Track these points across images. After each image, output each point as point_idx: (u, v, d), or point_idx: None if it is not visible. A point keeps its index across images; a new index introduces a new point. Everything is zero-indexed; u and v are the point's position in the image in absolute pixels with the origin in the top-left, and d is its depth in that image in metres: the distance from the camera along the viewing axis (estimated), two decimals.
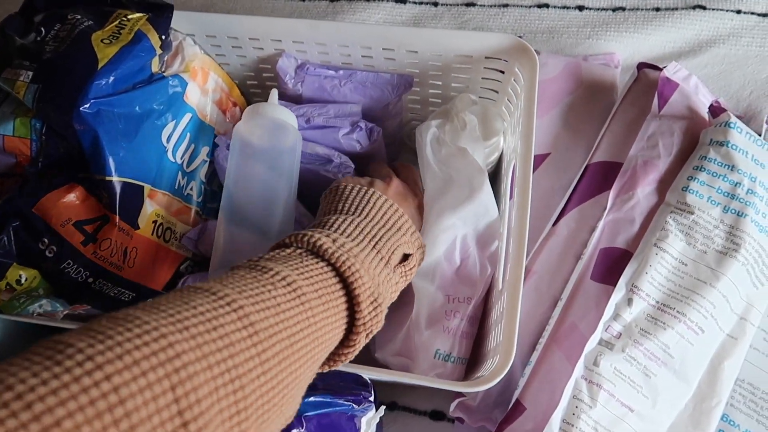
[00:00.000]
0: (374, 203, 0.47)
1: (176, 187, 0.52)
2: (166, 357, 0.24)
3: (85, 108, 0.43)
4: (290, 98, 0.60)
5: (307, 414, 0.42)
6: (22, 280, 0.42)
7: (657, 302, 0.51)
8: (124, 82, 0.46)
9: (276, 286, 0.33)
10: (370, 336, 0.40)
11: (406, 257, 0.47)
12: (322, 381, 0.47)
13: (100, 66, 0.44)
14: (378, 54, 0.58)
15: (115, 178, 0.44)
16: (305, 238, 0.39)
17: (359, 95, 0.60)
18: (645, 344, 0.49)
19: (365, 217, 0.45)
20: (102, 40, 0.46)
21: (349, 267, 0.38)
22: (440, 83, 0.61)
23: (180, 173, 0.52)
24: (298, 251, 0.38)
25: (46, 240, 0.42)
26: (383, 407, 0.50)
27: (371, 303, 0.39)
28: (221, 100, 0.58)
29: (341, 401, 0.45)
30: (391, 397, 0.59)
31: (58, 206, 0.43)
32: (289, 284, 0.34)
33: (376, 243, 0.43)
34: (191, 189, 0.54)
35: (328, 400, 0.44)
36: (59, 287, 0.44)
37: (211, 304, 0.28)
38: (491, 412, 0.54)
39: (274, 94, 0.55)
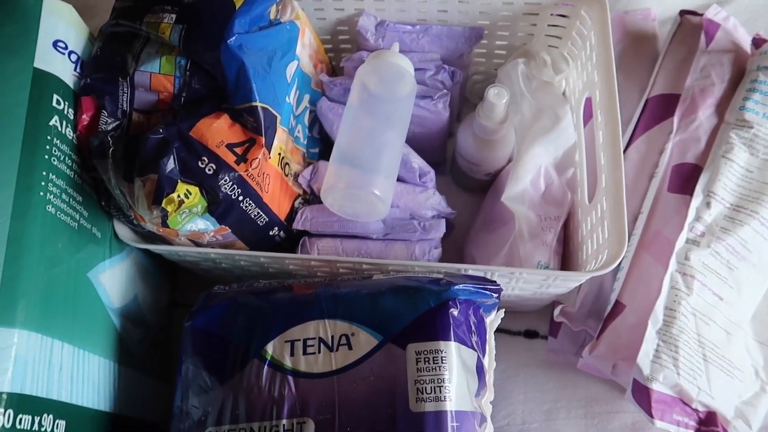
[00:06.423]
0: None
1: (290, 127, 0.56)
2: None
3: (231, 41, 0.47)
4: None
5: (459, 298, 0.46)
6: (189, 194, 0.46)
7: (731, 204, 0.57)
8: (253, 24, 0.51)
9: None
10: None
11: None
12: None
13: (237, 7, 0.49)
14: (453, 8, 0.63)
15: (260, 104, 0.48)
16: None
17: (436, 47, 0.65)
18: (726, 239, 0.55)
19: None
20: None
21: None
22: (507, 33, 0.67)
23: (292, 114, 0.56)
24: None
25: (205, 158, 0.46)
26: (503, 310, 0.54)
27: None
28: (312, 56, 0.63)
29: (485, 291, 0.48)
30: None
31: (212, 129, 0.47)
32: None
33: None
34: (299, 132, 0.58)
35: (473, 288, 0.47)
36: (212, 205, 0.48)
37: None
38: (586, 320, 0.59)
39: (396, 46, 0.60)
